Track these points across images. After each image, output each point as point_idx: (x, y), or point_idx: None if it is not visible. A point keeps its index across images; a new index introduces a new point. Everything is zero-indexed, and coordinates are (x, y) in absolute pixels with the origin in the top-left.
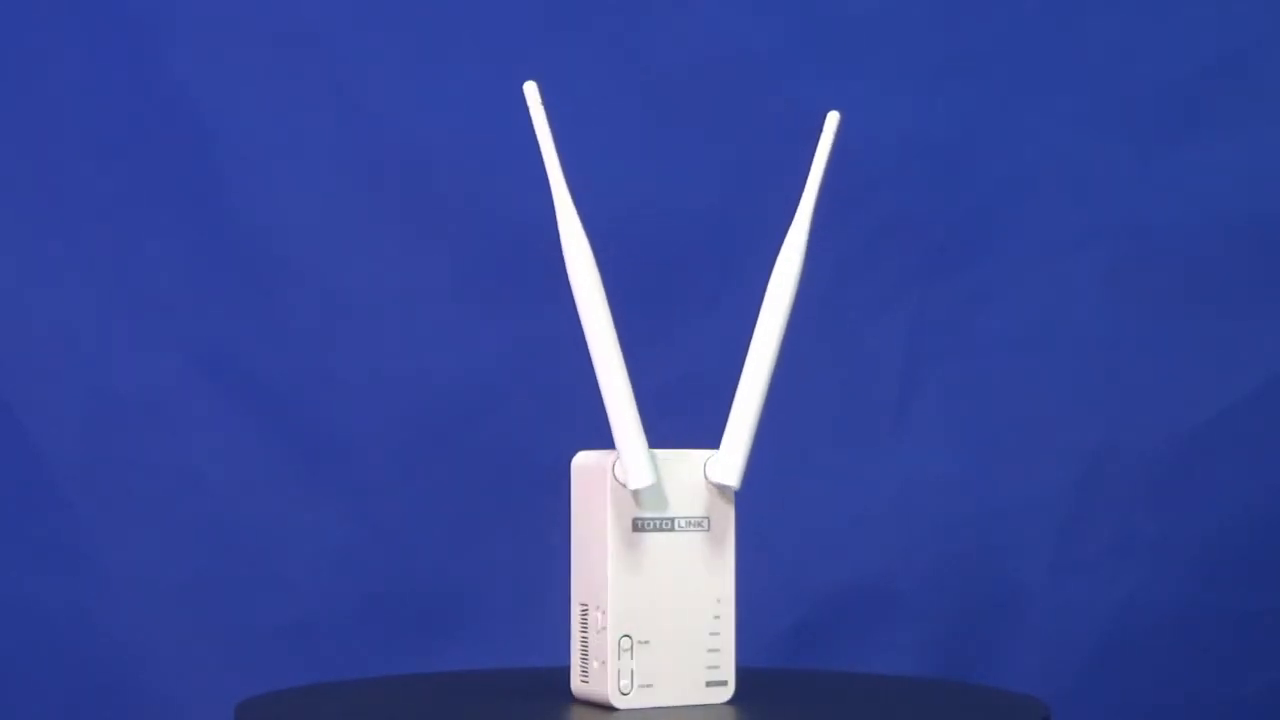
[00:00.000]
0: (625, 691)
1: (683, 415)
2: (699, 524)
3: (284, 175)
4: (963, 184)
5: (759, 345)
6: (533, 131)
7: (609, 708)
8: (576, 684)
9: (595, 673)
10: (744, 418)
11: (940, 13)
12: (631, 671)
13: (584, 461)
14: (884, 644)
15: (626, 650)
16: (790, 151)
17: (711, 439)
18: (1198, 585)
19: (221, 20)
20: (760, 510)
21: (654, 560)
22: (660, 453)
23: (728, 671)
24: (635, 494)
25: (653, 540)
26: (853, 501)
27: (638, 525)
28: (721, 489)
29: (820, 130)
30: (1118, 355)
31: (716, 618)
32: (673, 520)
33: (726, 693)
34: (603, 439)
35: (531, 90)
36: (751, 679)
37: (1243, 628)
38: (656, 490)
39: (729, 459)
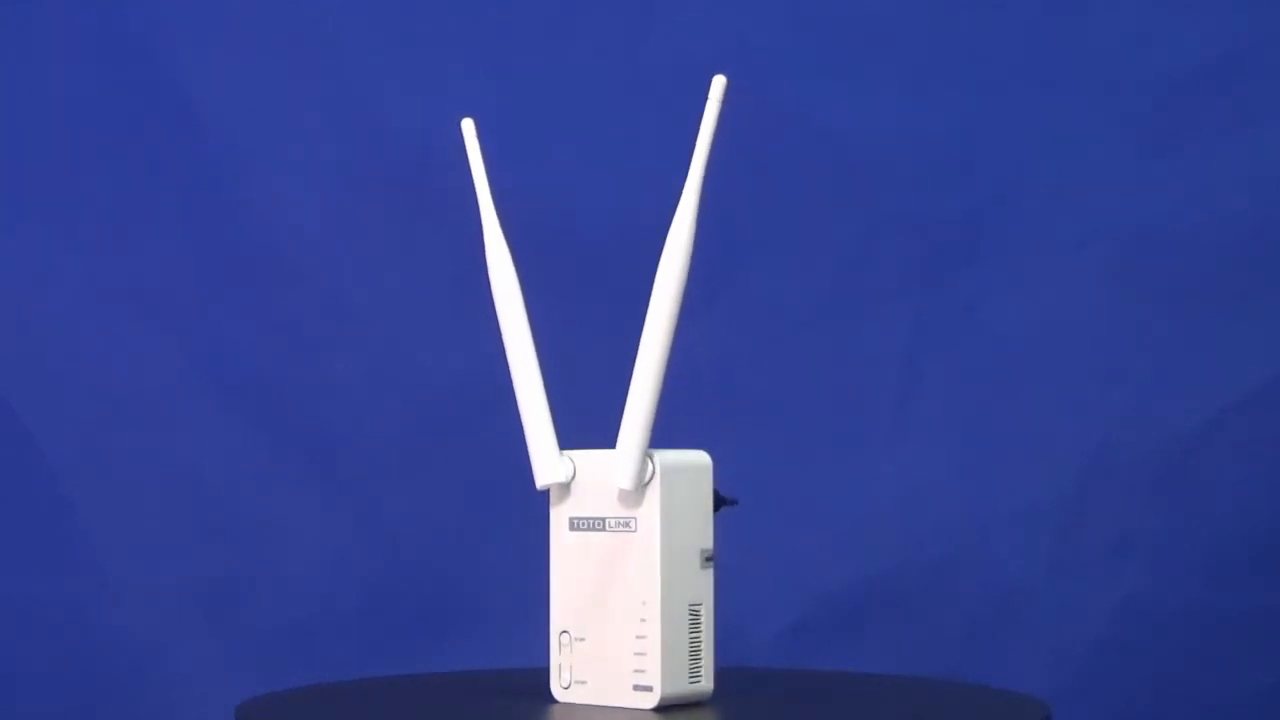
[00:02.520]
0: (566, 686)
1: (682, 415)
2: (625, 524)
3: (284, 175)
4: (962, 183)
5: (647, 341)
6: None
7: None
8: None
9: None
10: (635, 418)
11: (939, 12)
12: (571, 667)
13: None
14: (884, 644)
15: (566, 646)
16: (789, 150)
17: (707, 439)
18: (1198, 585)
19: (222, 20)
20: (760, 510)
21: (588, 559)
22: (596, 453)
23: (653, 677)
24: (558, 493)
25: (588, 539)
26: (853, 501)
27: (574, 524)
28: (622, 492)
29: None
30: (1118, 355)
31: (642, 620)
32: (603, 520)
33: (650, 699)
34: (604, 439)
35: (468, 127)
36: (747, 679)
37: (1243, 628)
38: (588, 489)
39: (623, 462)
